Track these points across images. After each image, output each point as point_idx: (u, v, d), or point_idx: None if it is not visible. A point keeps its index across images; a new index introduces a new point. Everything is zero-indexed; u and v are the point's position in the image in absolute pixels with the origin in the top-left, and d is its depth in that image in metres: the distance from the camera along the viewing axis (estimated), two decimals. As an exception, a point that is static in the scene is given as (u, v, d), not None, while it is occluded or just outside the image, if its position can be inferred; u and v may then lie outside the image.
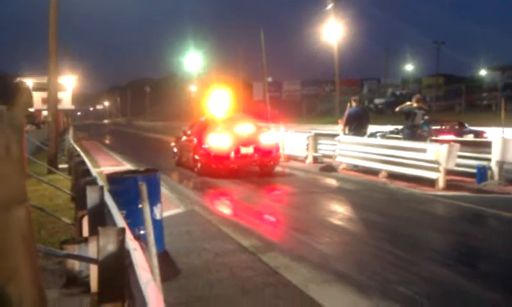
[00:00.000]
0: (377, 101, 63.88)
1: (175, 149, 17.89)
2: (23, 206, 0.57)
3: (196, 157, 14.73)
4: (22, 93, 0.52)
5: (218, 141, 14.10)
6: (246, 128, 14.91)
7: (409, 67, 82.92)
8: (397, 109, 14.59)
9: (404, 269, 5.82)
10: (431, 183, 11.20)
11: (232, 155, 13.93)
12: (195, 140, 15.08)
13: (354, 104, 15.48)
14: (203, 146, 14.36)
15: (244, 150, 14.02)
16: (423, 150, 11.57)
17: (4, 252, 0.55)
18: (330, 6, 35.46)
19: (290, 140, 18.30)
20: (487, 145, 11.81)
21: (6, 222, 0.55)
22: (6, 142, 0.56)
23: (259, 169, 14.52)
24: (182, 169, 16.17)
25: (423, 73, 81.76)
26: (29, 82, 25.84)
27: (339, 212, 9.64)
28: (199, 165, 14.52)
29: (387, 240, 7.23)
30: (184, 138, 16.57)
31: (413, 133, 13.72)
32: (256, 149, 14.11)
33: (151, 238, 3.64)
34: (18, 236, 0.56)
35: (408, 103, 14.40)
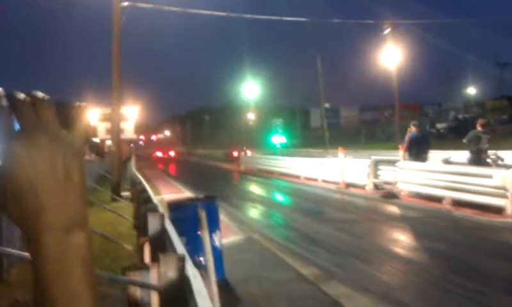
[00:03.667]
0: (439, 125, 61.94)
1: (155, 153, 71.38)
2: (83, 230, 0.57)
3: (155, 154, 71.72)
4: (81, 116, 0.52)
5: (158, 151, 73.30)
6: (168, 146, 78.82)
7: (471, 90, 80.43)
8: (464, 140, 14.03)
9: (471, 300, 5.55)
10: (498, 210, 10.69)
11: (161, 155, 70.76)
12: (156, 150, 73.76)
13: (413, 129, 15.09)
14: (156, 153, 72.87)
15: (166, 153, 70.83)
16: (489, 176, 11.08)
17: (64, 277, 0.55)
18: (387, 30, 35.12)
19: (350, 167, 18.02)
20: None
21: (66, 245, 0.55)
22: (67, 167, 0.56)
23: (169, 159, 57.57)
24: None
25: (486, 96, 79.07)
26: (95, 112, 26.88)
27: (402, 240, 9.35)
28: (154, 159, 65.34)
29: (453, 270, 6.93)
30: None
31: (478, 158, 13.20)
32: (170, 154, 70.89)
33: (210, 265, 3.64)
34: (77, 261, 0.55)
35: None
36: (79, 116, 0.60)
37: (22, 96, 0.57)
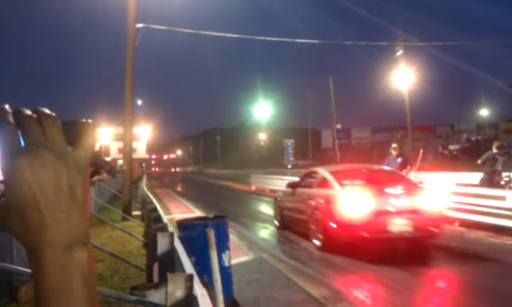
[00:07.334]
0: (451, 147, 61.59)
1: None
2: (85, 247, 0.57)
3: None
4: (87, 134, 0.52)
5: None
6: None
7: (484, 112, 79.98)
8: (479, 161, 13.97)
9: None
10: (512, 232, 10.54)
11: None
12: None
13: (394, 153, 15.08)
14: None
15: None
16: (502, 198, 10.96)
17: (64, 293, 0.55)
18: (400, 52, 35.15)
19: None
20: None
21: (68, 262, 0.55)
22: (71, 184, 0.56)
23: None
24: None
25: (499, 117, 78.55)
26: (108, 131, 27.07)
27: (411, 261, 9.23)
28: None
29: (465, 291, 6.84)
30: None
31: (491, 179, 13.10)
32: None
33: (218, 285, 3.63)
34: (78, 278, 0.56)
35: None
36: (85, 133, 0.61)
37: (28, 112, 0.57)
